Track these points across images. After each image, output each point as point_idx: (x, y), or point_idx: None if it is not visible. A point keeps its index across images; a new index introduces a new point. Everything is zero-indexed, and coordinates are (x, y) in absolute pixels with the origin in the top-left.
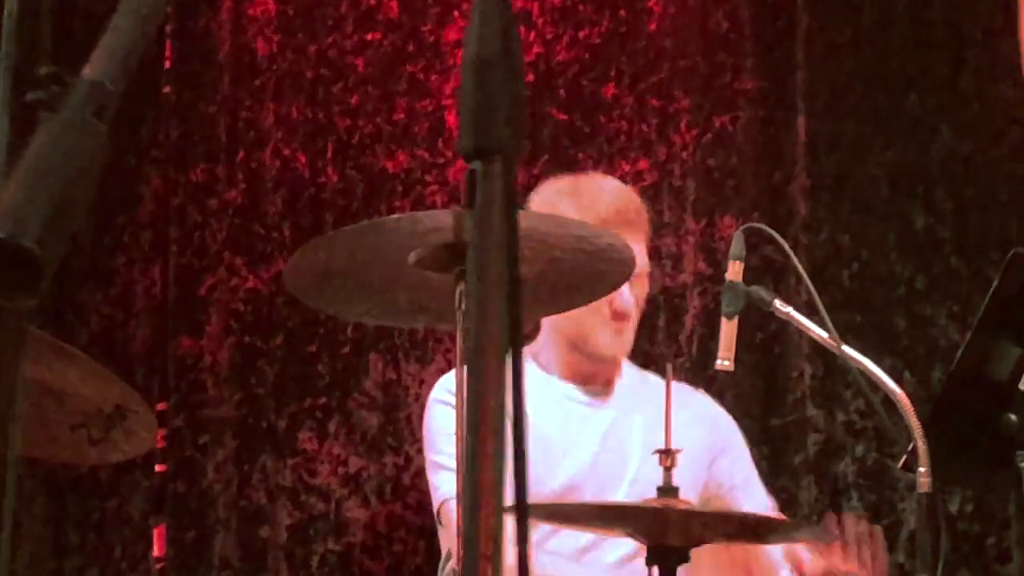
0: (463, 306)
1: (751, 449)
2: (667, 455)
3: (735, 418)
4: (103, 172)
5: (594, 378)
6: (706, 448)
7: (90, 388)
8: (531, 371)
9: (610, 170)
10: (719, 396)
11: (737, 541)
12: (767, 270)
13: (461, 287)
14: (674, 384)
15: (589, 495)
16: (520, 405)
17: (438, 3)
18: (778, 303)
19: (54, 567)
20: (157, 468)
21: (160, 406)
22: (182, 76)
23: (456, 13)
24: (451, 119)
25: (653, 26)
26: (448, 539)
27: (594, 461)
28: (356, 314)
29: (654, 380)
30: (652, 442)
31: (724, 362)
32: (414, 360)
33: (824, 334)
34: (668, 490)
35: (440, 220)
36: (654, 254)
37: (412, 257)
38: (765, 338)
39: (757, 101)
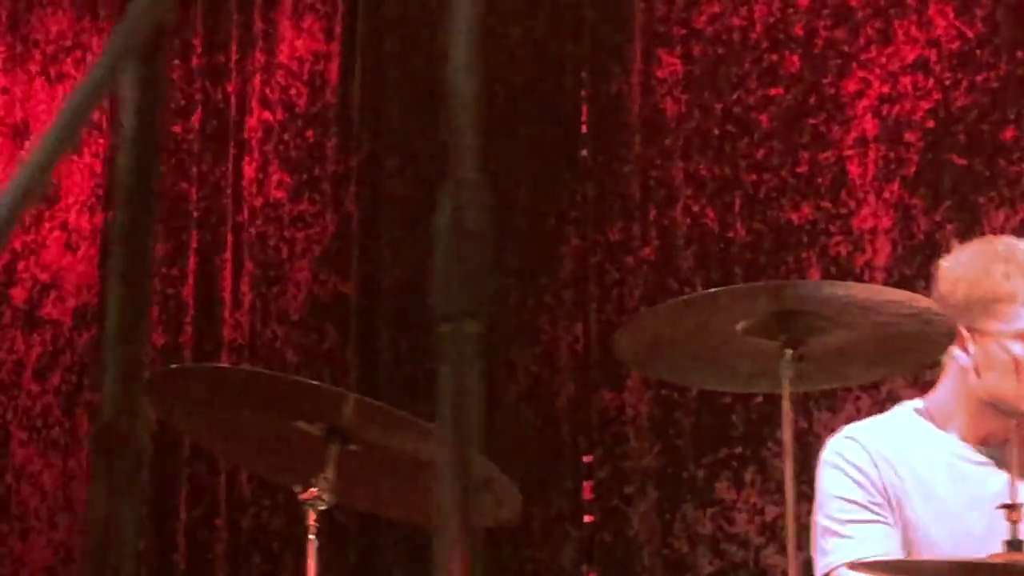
0: (790, 373)
1: None
2: (1013, 510)
3: None
4: (525, 236)
5: (994, 436)
6: None
7: None
8: (925, 427)
9: (1011, 214)
10: None
11: None
12: None
13: (788, 353)
14: None
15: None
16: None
17: (838, 55)
18: None
19: None
20: (586, 519)
21: (586, 458)
22: (597, 139)
23: (854, 64)
24: (853, 169)
25: None
26: None
27: (990, 528)
28: (690, 380)
29: None
30: None
31: None
32: (825, 408)
33: None
34: (1015, 544)
35: (764, 291)
36: None
37: (740, 325)
38: None
39: None
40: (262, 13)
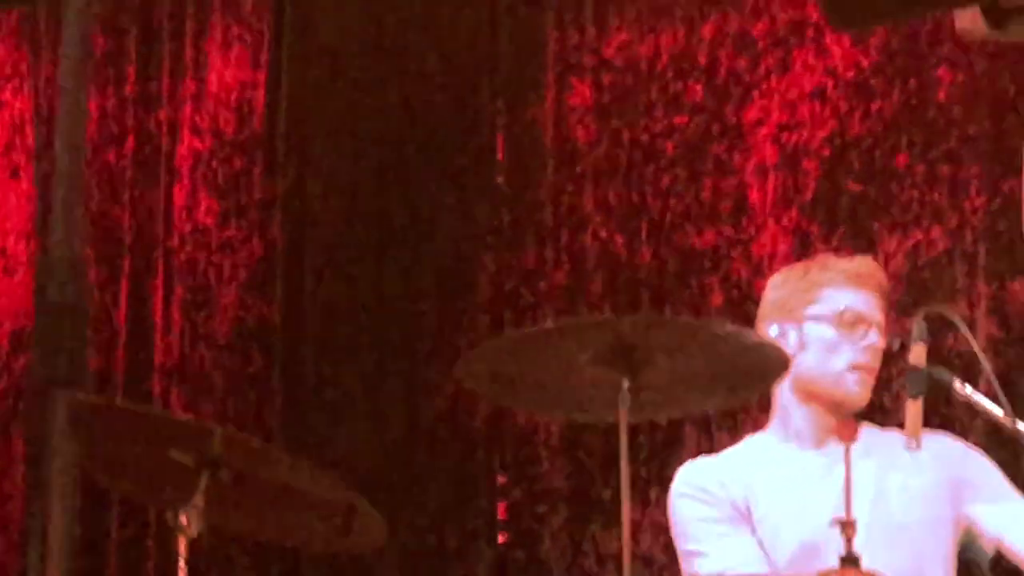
0: (627, 403)
1: None
2: (847, 526)
3: None
4: (443, 261)
5: (828, 436)
6: (947, 485)
7: (322, 488)
8: (770, 444)
9: (904, 238)
10: (1015, 457)
11: None
12: None
13: (625, 384)
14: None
15: (832, 552)
16: None
17: (739, 84)
18: (957, 384)
19: None
20: (499, 538)
21: (501, 479)
22: (512, 165)
23: (756, 93)
24: (753, 196)
25: (942, 95)
26: None
27: (832, 520)
28: (537, 409)
29: (895, 435)
30: (884, 481)
31: (911, 442)
32: (726, 430)
33: (1000, 412)
34: (849, 559)
35: (603, 324)
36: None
37: (583, 357)
38: None
39: None
40: (193, 42)
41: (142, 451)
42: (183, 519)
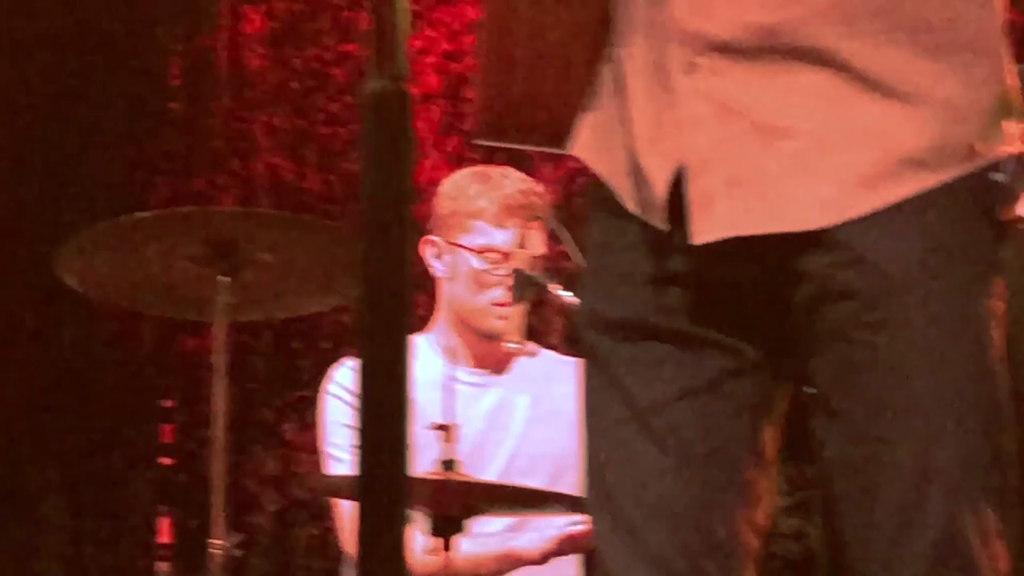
0: (224, 301)
1: None
2: (445, 430)
3: None
4: (116, 186)
5: (488, 359)
6: None
7: None
8: (426, 354)
9: (558, 166)
10: None
11: (516, 513)
12: None
13: (221, 281)
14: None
15: (470, 472)
16: None
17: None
18: (551, 287)
19: (72, 553)
20: (164, 461)
21: (168, 403)
22: (186, 92)
23: (422, 23)
24: (419, 125)
25: None
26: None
27: (478, 440)
28: (137, 305)
29: (558, 360)
30: (536, 417)
31: (511, 345)
32: None
33: None
34: (448, 463)
35: (197, 217)
36: None
37: (178, 253)
38: None
39: None
40: None
41: None
42: None
